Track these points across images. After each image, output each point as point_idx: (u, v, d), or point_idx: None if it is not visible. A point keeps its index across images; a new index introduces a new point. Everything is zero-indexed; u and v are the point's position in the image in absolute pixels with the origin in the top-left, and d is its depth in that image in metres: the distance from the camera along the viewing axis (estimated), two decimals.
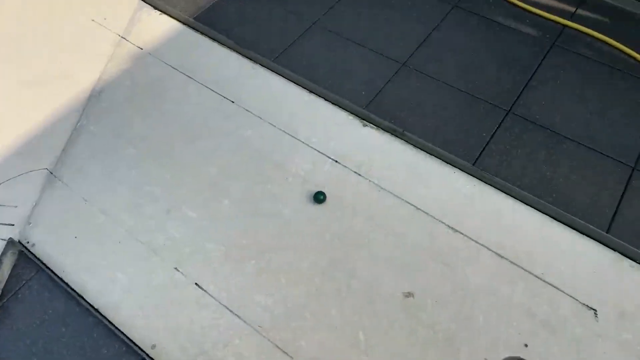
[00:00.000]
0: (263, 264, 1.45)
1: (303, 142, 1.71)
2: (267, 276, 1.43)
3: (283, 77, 1.89)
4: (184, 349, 1.30)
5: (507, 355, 1.29)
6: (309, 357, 1.29)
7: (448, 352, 1.30)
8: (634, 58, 1.98)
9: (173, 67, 1.91)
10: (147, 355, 1.29)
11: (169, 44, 1.99)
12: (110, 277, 1.41)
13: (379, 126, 1.76)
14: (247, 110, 1.79)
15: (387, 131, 1.74)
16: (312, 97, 1.84)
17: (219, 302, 1.38)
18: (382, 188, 1.61)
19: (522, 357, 1.29)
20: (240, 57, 1.95)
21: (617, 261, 1.46)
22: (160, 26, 2.06)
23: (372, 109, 1.83)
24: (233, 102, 1.81)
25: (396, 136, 1.73)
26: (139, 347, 1.30)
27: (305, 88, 1.85)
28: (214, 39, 2.01)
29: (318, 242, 1.49)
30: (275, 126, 1.75)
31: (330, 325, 1.35)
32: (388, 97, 1.87)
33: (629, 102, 1.86)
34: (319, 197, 1.56)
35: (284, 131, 1.74)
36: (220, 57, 1.96)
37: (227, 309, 1.37)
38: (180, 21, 2.07)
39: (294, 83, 1.87)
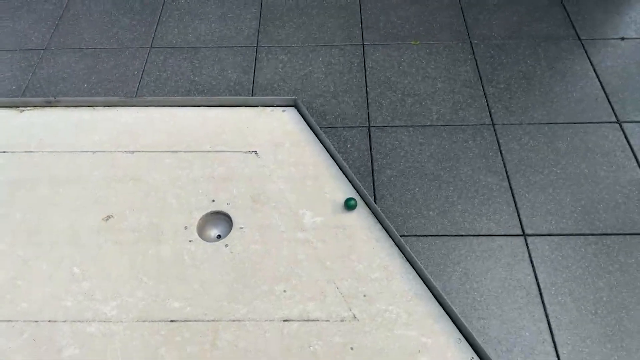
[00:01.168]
0: None
1: None
2: None
3: None
4: None
5: (201, 215, 1.56)
6: (33, 311, 1.36)
7: (152, 236, 1.50)
8: None
9: None
10: None
11: None
12: None
13: (35, 106, 1.84)
14: None
15: (45, 106, 1.84)
16: None
17: None
18: (56, 152, 1.71)
19: (215, 210, 1.57)
20: None
21: (259, 112, 1.83)
22: None
23: (28, 95, 1.89)
24: None
25: (53, 106, 1.84)
26: None
27: None
28: None
29: (3, 223, 1.54)
30: None
31: (44, 278, 1.43)
32: (40, 80, 1.95)
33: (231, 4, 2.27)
34: (350, 203, 1.53)
35: None
36: None
37: None
38: None
39: None
